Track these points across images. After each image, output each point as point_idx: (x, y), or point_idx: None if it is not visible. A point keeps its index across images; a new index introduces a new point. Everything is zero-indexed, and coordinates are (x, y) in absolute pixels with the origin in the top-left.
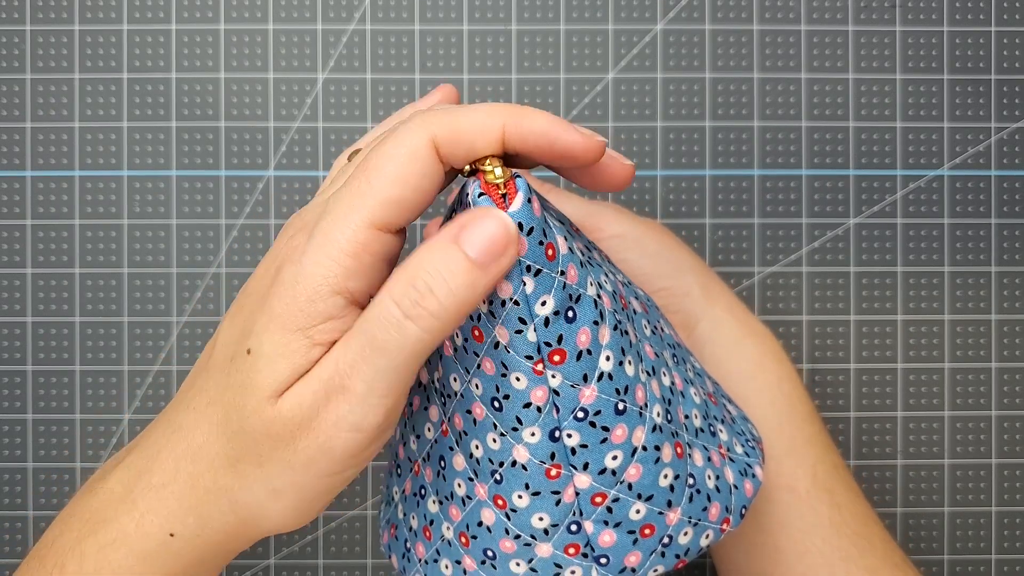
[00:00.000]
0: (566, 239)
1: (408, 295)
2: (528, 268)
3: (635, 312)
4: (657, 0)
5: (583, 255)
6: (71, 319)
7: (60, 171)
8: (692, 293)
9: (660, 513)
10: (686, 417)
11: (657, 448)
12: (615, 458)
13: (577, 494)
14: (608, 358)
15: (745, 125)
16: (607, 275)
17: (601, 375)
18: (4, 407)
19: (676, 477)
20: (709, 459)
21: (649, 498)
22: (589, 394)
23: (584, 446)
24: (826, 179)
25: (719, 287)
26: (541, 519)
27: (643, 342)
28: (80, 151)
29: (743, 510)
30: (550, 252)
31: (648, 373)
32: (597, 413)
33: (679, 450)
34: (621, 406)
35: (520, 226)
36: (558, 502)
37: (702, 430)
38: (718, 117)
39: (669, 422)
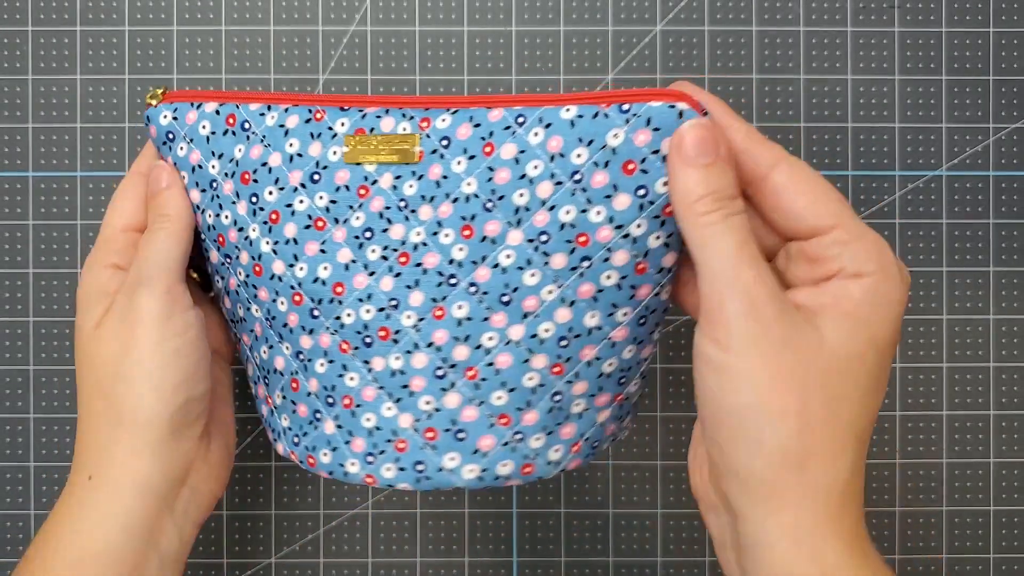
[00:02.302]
0: None
1: None
2: None
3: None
4: (656, 2)
5: None
6: (72, 319)
7: (61, 172)
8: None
9: (518, 409)
10: (596, 359)
11: (530, 351)
12: (491, 339)
13: (454, 367)
14: (508, 256)
15: None
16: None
17: (496, 265)
18: (5, 407)
19: (541, 385)
20: (593, 395)
21: (511, 391)
22: (483, 274)
23: (469, 319)
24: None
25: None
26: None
27: (584, 283)
28: (81, 152)
29: (596, 444)
30: None
31: (566, 302)
32: (485, 293)
33: (556, 368)
34: (505, 299)
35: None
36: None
37: (608, 376)
38: None
39: (562, 347)
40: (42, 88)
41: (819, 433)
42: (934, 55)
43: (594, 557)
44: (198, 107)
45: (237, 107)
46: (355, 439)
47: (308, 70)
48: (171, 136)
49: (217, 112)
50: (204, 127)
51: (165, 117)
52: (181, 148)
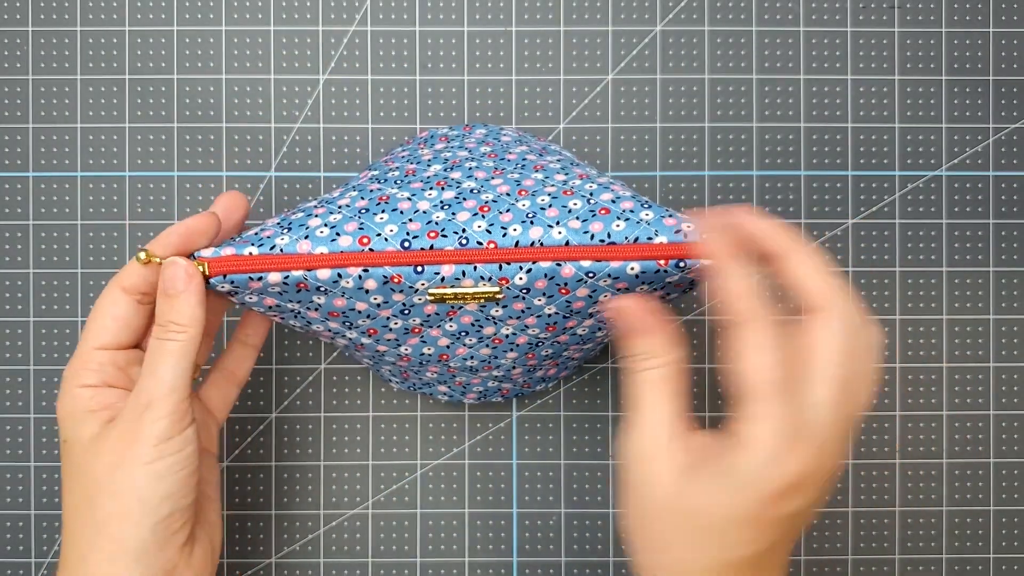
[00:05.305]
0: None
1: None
2: None
3: None
4: (656, 2)
5: None
6: (72, 319)
7: (61, 172)
8: None
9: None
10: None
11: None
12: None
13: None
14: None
15: (744, 126)
16: None
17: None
18: (5, 407)
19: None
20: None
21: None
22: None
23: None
24: (824, 180)
25: None
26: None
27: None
28: (81, 152)
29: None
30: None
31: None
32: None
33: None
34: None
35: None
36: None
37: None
38: (717, 118)
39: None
40: (42, 88)
41: None
42: (934, 55)
43: (594, 557)
44: (259, 278)
45: (305, 276)
46: (439, 386)
47: (308, 70)
48: (234, 291)
49: (285, 281)
50: (273, 289)
51: (223, 287)
52: (250, 297)
